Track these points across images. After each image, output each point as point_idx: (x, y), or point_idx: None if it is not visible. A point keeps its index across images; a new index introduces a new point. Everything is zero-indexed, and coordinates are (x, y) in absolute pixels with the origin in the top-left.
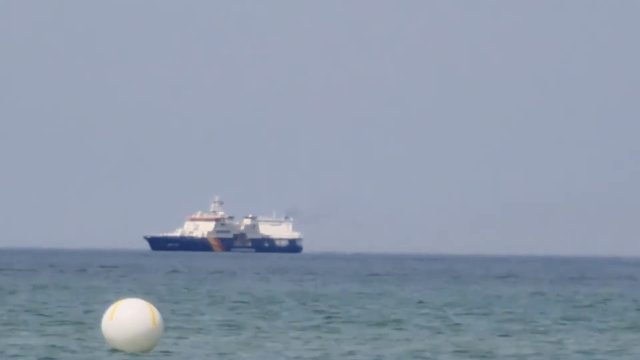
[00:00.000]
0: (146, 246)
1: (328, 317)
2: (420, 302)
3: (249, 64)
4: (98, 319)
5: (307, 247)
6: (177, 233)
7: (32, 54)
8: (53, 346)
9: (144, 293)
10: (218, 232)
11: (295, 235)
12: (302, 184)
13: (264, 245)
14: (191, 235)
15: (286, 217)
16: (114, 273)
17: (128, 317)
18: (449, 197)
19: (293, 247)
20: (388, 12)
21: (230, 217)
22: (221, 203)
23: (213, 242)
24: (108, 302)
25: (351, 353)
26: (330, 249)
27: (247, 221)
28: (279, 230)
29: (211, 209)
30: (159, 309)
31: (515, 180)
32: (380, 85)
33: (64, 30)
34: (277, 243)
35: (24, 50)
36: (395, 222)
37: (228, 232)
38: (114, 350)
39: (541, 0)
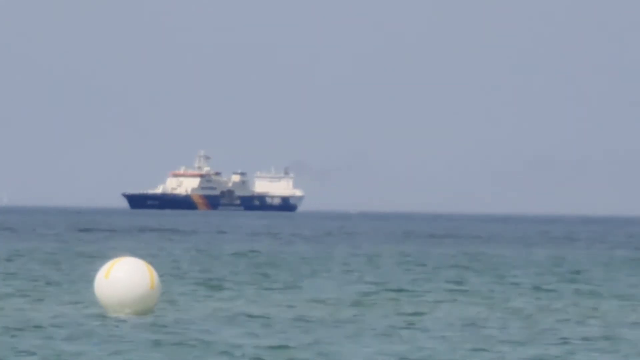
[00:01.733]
0: (124, 204)
1: None
2: None
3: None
4: None
5: (310, 206)
6: (158, 190)
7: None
8: None
9: None
10: (203, 188)
11: (295, 192)
12: (309, 136)
13: (254, 204)
14: (174, 192)
15: (286, 173)
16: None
17: (124, 277)
18: (468, 153)
19: (286, 205)
20: None
21: (217, 173)
22: (207, 158)
23: (198, 200)
24: None
25: None
26: (335, 207)
27: (236, 177)
28: (278, 187)
29: (196, 164)
30: None
31: (539, 134)
32: (397, 34)
33: None
34: (269, 201)
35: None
36: (409, 179)
37: (214, 188)
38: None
39: None
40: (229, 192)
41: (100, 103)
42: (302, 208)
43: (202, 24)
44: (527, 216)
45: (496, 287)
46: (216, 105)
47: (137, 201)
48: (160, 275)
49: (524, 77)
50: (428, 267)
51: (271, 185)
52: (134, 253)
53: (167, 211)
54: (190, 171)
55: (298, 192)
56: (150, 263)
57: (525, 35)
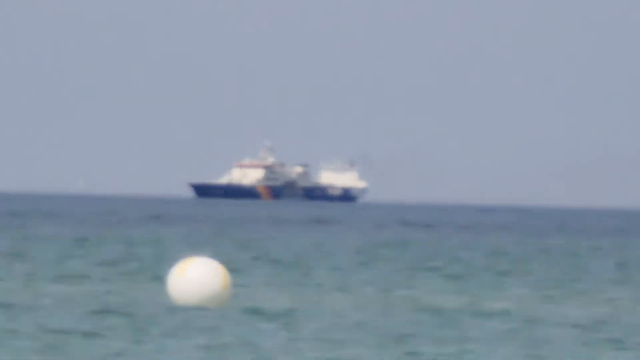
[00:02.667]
0: (190, 193)
1: None
2: None
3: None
4: None
5: (374, 197)
6: (223, 180)
7: None
8: None
9: None
10: (267, 179)
11: (359, 184)
12: (373, 129)
13: (315, 194)
14: (239, 182)
15: (350, 165)
16: None
17: (198, 277)
18: (528, 147)
19: (347, 196)
20: None
21: (281, 164)
22: (272, 149)
23: (261, 190)
24: None
25: None
26: (397, 199)
27: (299, 169)
28: (343, 179)
29: (260, 155)
30: None
31: (597, 130)
32: (460, 31)
33: None
34: (330, 192)
35: None
36: (470, 172)
37: (278, 179)
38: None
39: None
40: (292, 183)
41: (167, 90)
42: (365, 199)
43: (264, 17)
44: (590, 209)
45: None
46: (281, 97)
47: (203, 191)
48: None
49: (588, 72)
50: None
51: (336, 177)
52: None
53: (234, 201)
54: (255, 162)
55: (362, 184)
56: None
57: (590, 31)
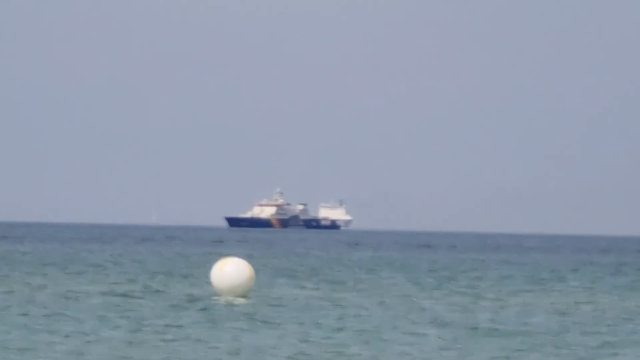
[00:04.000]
0: (224, 224)
1: None
2: None
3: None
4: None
5: (358, 226)
6: (248, 215)
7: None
8: None
9: None
10: (278, 214)
11: (346, 217)
12: (355, 177)
13: (312, 224)
14: (258, 216)
15: (340, 204)
16: None
17: (232, 270)
18: (465, 185)
19: (333, 226)
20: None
21: (288, 204)
22: (281, 193)
23: (274, 222)
24: None
25: None
26: (372, 228)
27: (300, 206)
28: (335, 214)
29: (274, 198)
30: None
31: (511, 168)
32: (409, 99)
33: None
34: (322, 222)
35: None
36: (422, 210)
37: (285, 214)
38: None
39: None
40: (295, 217)
41: (213, 152)
42: (349, 228)
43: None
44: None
45: None
46: (288, 157)
47: (234, 222)
48: None
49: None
50: None
51: (329, 212)
52: None
53: (257, 229)
54: (270, 202)
55: (348, 217)
56: None
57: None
